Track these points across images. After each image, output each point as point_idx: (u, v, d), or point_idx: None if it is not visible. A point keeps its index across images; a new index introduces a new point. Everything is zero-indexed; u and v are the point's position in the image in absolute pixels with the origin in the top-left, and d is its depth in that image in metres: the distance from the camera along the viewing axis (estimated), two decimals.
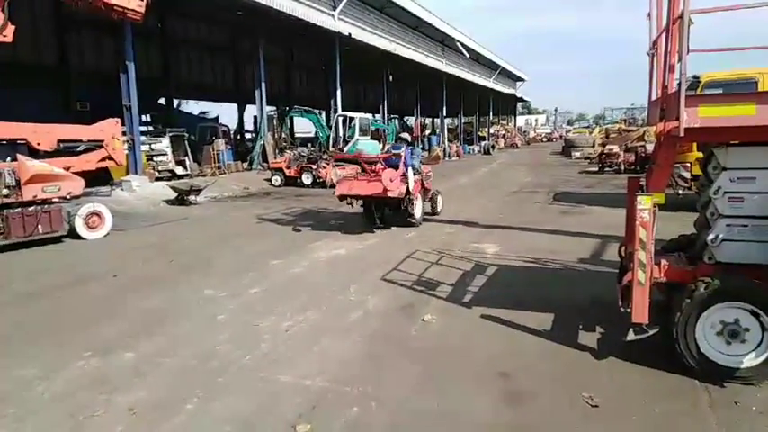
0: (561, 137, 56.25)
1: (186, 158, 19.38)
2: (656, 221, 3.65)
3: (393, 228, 9.79)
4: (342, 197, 9.67)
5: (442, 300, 5.62)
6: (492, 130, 53.26)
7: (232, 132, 28.56)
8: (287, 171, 18.71)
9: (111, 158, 10.50)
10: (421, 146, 31.49)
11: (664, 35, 3.75)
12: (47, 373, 4.03)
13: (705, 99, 3.78)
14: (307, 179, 18.22)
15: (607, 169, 21.05)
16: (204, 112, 35.01)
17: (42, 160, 9.24)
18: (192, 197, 14.12)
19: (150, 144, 18.25)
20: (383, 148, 19.29)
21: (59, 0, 15.57)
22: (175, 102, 29.28)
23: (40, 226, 8.80)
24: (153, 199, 14.25)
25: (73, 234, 9.36)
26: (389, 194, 9.07)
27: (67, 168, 9.55)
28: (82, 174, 9.82)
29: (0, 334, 4.96)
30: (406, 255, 7.62)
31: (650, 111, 4.43)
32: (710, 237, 3.68)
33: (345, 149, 20.01)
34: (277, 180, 18.87)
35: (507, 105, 65.84)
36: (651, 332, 3.73)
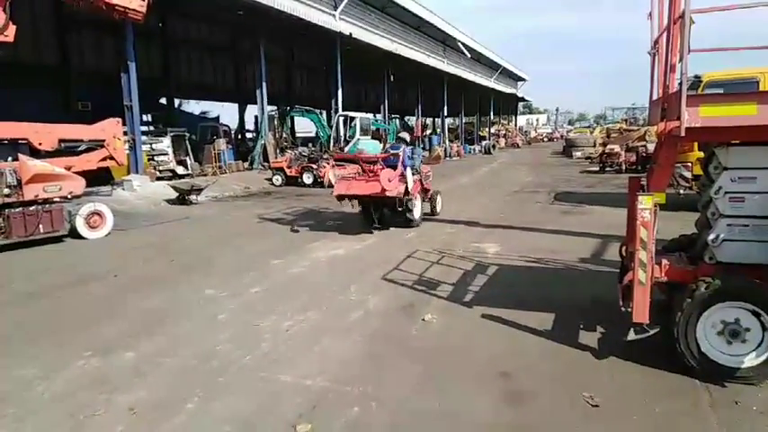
0: (562, 136, 56.29)
1: (187, 158, 19.43)
2: (657, 221, 3.65)
3: (392, 228, 9.77)
4: (340, 197, 9.63)
5: (442, 299, 5.62)
6: (493, 130, 53.28)
7: (233, 132, 28.59)
8: (288, 171, 18.71)
9: (112, 158, 10.51)
10: (422, 145, 31.47)
11: (665, 35, 3.74)
12: (47, 372, 4.04)
13: (706, 99, 3.77)
14: (308, 179, 18.23)
15: (608, 169, 21.03)
16: (205, 112, 35.12)
17: (43, 160, 9.25)
18: (192, 197, 14.13)
19: (151, 144, 18.30)
20: (384, 148, 19.29)
21: (60, 0, 15.56)
22: (176, 101, 29.34)
23: (41, 225, 8.82)
24: (154, 198, 14.26)
25: (74, 234, 9.36)
26: (388, 194, 9.02)
27: (69, 168, 9.56)
28: (83, 173, 9.83)
29: (0, 334, 4.96)
30: (407, 254, 7.61)
31: (651, 110, 4.42)
32: (711, 236, 3.68)
33: (346, 149, 20.03)
34: (278, 180, 18.88)
35: (508, 105, 65.83)
36: (652, 332, 3.73)
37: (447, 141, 39.12)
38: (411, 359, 4.19)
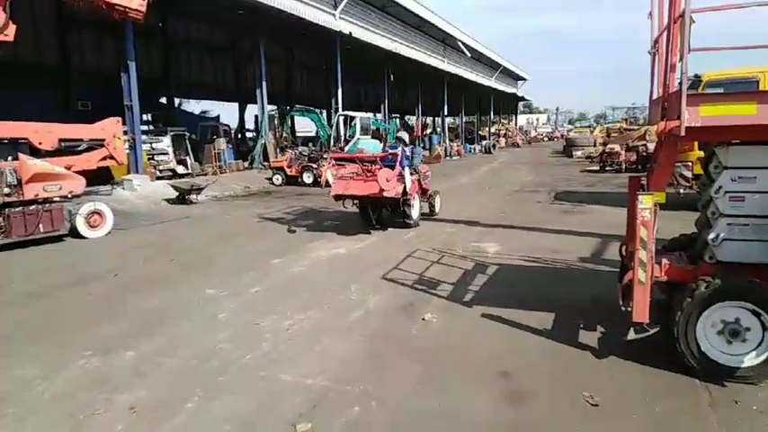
0: (562, 136, 56.30)
1: (187, 157, 19.42)
2: (657, 220, 3.65)
3: (390, 228, 9.75)
4: (338, 197, 9.58)
5: (442, 299, 5.62)
6: (493, 130, 53.26)
7: (233, 131, 28.58)
8: (288, 170, 18.72)
9: (112, 157, 10.52)
10: (422, 145, 31.47)
11: (665, 34, 3.74)
12: (47, 372, 4.04)
13: (706, 98, 3.77)
14: (308, 178, 18.22)
15: (608, 168, 21.04)
16: (205, 112, 35.07)
17: (44, 159, 9.26)
18: (193, 196, 14.13)
19: (151, 143, 18.29)
20: (383, 148, 19.27)
21: (61, 0, 15.56)
22: (176, 101, 29.31)
23: (41, 225, 8.82)
24: (154, 198, 14.27)
25: (74, 233, 9.37)
26: (385, 194, 8.95)
27: (69, 167, 9.57)
28: (83, 173, 9.83)
29: (0, 334, 4.96)
30: (407, 254, 7.61)
31: (651, 110, 4.42)
32: (711, 236, 3.68)
33: (347, 149, 20.02)
34: (278, 179, 18.88)
35: (508, 104, 65.82)
36: (652, 331, 3.72)
37: (447, 141, 39.11)
38: (411, 358, 4.19)
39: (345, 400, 3.54)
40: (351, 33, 23.82)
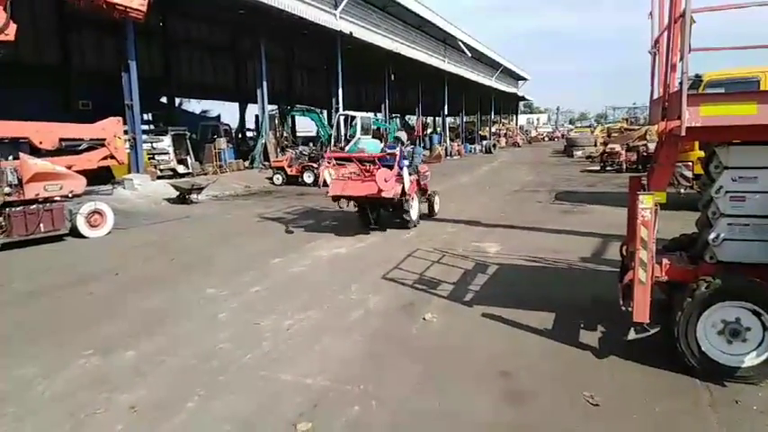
0: (563, 136, 56.27)
1: (188, 157, 19.45)
2: (657, 220, 3.64)
3: (389, 229, 9.71)
4: (335, 198, 9.49)
5: (443, 299, 5.61)
6: (494, 129, 53.27)
7: (233, 131, 28.60)
8: (288, 170, 18.73)
9: (112, 157, 10.53)
10: (422, 145, 31.47)
11: (665, 34, 3.74)
12: (47, 372, 4.04)
13: (707, 98, 3.77)
14: (308, 178, 18.22)
15: (609, 168, 21.02)
16: (206, 111, 35.11)
17: (44, 159, 9.27)
18: (193, 196, 14.14)
19: (152, 143, 18.30)
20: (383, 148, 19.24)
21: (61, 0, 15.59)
22: (177, 101, 29.38)
23: (41, 224, 8.83)
24: (154, 197, 14.27)
25: (75, 232, 9.38)
26: (384, 195, 8.85)
27: (69, 167, 9.57)
28: (84, 172, 9.84)
29: (0, 334, 4.97)
30: (407, 254, 7.61)
31: (652, 110, 4.41)
32: (712, 236, 3.68)
33: (347, 148, 20.01)
34: (278, 179, 18.89)
35: (509, 104, 65.80)
36: (652, 331, 3.72)
37: (448, 140, 39.11)
38: (411, 358, 4.19)
39: (345, 399, 3.54)
40: (351, 33, 23.82)
